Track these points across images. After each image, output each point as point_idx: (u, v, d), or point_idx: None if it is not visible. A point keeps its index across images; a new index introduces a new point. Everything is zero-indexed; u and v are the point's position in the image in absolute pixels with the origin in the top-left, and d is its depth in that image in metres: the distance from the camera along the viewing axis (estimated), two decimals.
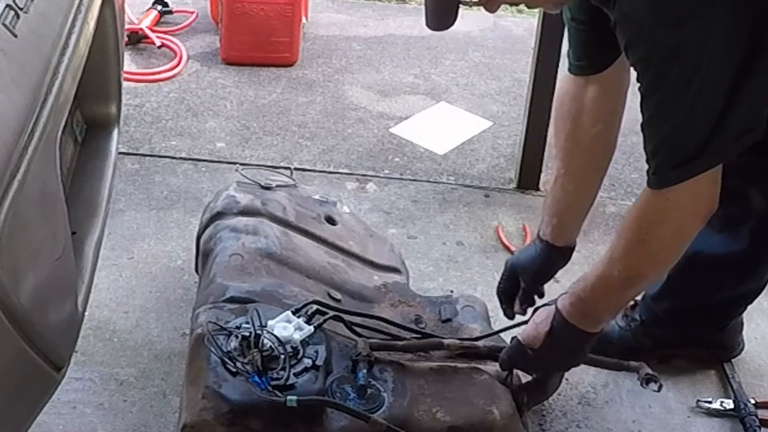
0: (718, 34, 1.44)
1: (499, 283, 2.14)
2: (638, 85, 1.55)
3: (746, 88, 1.47)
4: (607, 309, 1.77)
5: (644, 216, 1.63)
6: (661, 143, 1.55)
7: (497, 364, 1.93)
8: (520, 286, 2.09)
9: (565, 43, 1.96)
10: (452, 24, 1.58)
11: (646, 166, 2.93)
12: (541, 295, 2.09)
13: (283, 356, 1.73)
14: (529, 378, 1.95)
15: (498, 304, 2.14)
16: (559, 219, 2.01)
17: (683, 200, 1.57)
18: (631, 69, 1.66)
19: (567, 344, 1.80)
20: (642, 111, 1.56)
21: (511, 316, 2.11)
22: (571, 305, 1.76)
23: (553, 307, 1.80)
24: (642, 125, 1.58)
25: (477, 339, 1.96)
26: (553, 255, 2.04)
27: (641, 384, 1.88)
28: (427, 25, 1.62)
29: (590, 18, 1.72)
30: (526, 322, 1.91)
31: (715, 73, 1.46)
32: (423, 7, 1.61)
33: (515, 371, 1.91)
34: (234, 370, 1.69)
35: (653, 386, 1.87)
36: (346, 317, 1.90)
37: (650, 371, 1.88)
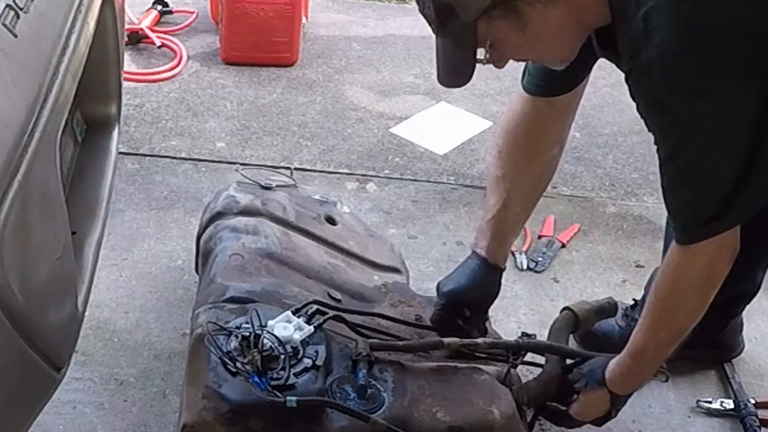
0: (732, 102, 1.46)
1: (437, 312, 2.00)
2: (656, 147, 1.57)
3: (765, 146, 1.49)
4: (655, 368, 1.86)
5: (681, 274, 1.66)
6: (685, 205, 1.59)
7: (497, 364, 1.93)
8: (461, 314, 2.00)
9: None
10: (468, 81, 1.59)
11: (646, 166, 2.95)
12: (486, 327, 2.03)
13: (283, 356, 1.73)
14: (530, 378, 1.95)
15: (497, 304, 2.13)
16: (501, 239, 2.00)
17: (712, 251, 1.61)
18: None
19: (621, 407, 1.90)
20: (661, 173, 1.59)
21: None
22: (626, 383, 1.83)
23: (605, 392, 1.84)
24: (662, 185, 1.60)
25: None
26: (493, 276, 2.00)
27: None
28: (440, 81, 1.63)
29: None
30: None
31: (732, 137, 1.49)
32: (435, 58, 1.61)
33: (513, 371, 1.92)
34: (234, 370, 1.69)
35: (661, 377, 1.88)
36: (347, 317, 1.90)
37: None
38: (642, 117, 1.56)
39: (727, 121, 1.47)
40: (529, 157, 1.93)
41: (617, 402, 1.86)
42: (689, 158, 1.52)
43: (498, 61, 1.60)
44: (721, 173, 1.52)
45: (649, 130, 1.57)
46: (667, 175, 1.58)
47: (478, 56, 1.57)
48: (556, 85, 1.85)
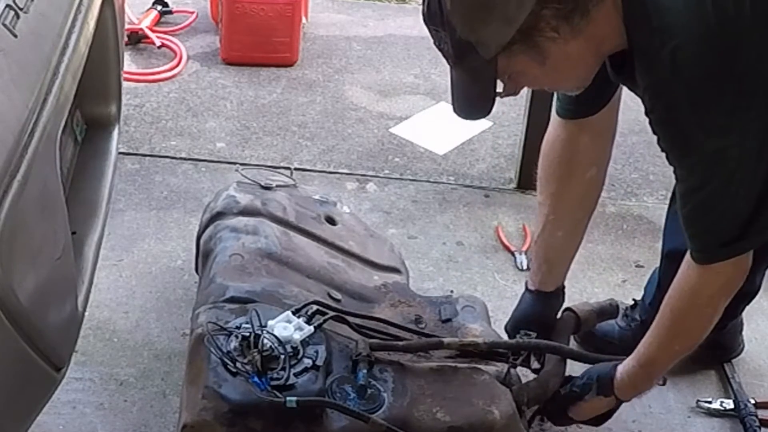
0: (756, 134, 1.46)
1: None
2: (674, 176, 1.58)
3: None
4: (665, 373, 1.86)
5: (699, 291, 1.67)
6: (705, 230, 1.59)
7: (497, 364, 1.93)
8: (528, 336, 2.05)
9: None
10: (488, 113, 1.58)
11: (646, 166, 2.94)
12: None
13: (283, 356, 1.73)
14: (529, 378, 1.95)
15: (498, 304, 2.14)
16: (549, 266, 2.01)
17: (730, 269, 1.62)
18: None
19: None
20: (682, 201, 1.59)
21: None
22: (633, 390, 1.84)
23: (612, 399, 1.85)
24: (682, 212, 1.60)
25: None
26: (547, 300, 2.03)
27: None
28: (457, 113, 1.62)
29: None
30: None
31: (753, 165, 1.49)
32: (451, 90, 1.60)
33: (513, 371, 1.92)
34: (234, 370, 1.69)
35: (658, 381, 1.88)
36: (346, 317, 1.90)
37: None
38: (663, 151, 1.56)
39: (751, 152, 1.48)
40: (565, 180, 1.93)
41: (619, 405, 1.89)
42: (713, 190, 1.53)
43: (515, 92, 1.61)
44: (743, 200, 1.53)
45: (670, 164, 1.57)
46: (688, 205, 1.58)
47: (497, 89, 1.56)
48: (584, 106, 1.84)
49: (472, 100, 1.59)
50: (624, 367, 1.83)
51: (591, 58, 1.56)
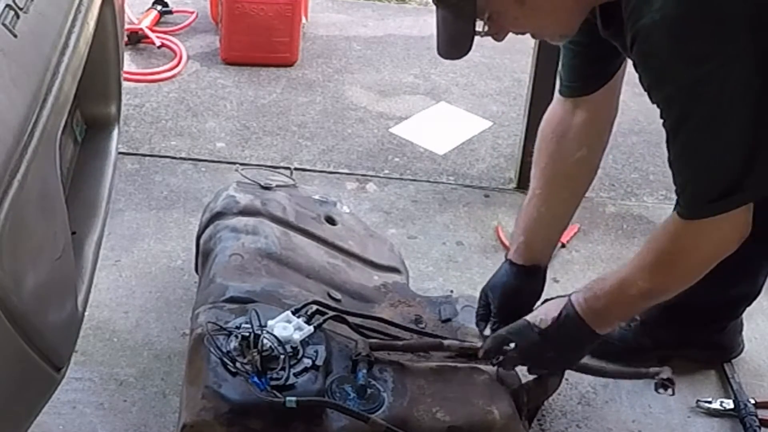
0: (736, 68, 1.44)
1: (477, 310, 2.05)
2: (662, 121, 1.55)
3: None
4: (619, 313, 1.78)
5: (679, 242, 1.62)
6: (692, 179, 1.55)
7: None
8: (489, 307, 2.01)
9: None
10: (467, 53, 1.60)
11: (646, 166, 2.94)
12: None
13: (282, 356, 1.73)
14: (529, 378, 1.95)
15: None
16: (526, 238, 1.98)
17: (718, 228, 1.57)
18: (620, 96, 1.73)
19: (571, 336, 1.78)
20: (668, 148, 1.56)
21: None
22: (585, 300, 1.75)
23: (566, 298, 1.79)
24: (669, 161, 1.58)
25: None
26: (520, 275, 1.98)
27: (656, 389, 1.86)
28: (440, 53, 1.64)
29: (588, 41, 1.71)
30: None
31: (738, 107, 1.46)
32: (435, 31, 1.63)
33: (515, 370, 1.91)
34: (234, 370, 1.69)
35: (668, 392, 1.85)
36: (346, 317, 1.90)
37: (669, 376, 1.85)
38: (645, 89, 1.53)
39: (731, 88, 1.44)
40: (554, 156, 1.93)
41: (565, 320, 1.76)
42: (694, 128, 1.49)
43: (497, 33, 1.61)
44: (727, 147, 1.49)
45: (653, 102, 1.54)
46: (673, 148, 1.55)
47: (477, 28, 1.57)
48: (581, 83, 1.85)
49: (452, 39, 1.61)
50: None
51: (573, 3, 1.57)
